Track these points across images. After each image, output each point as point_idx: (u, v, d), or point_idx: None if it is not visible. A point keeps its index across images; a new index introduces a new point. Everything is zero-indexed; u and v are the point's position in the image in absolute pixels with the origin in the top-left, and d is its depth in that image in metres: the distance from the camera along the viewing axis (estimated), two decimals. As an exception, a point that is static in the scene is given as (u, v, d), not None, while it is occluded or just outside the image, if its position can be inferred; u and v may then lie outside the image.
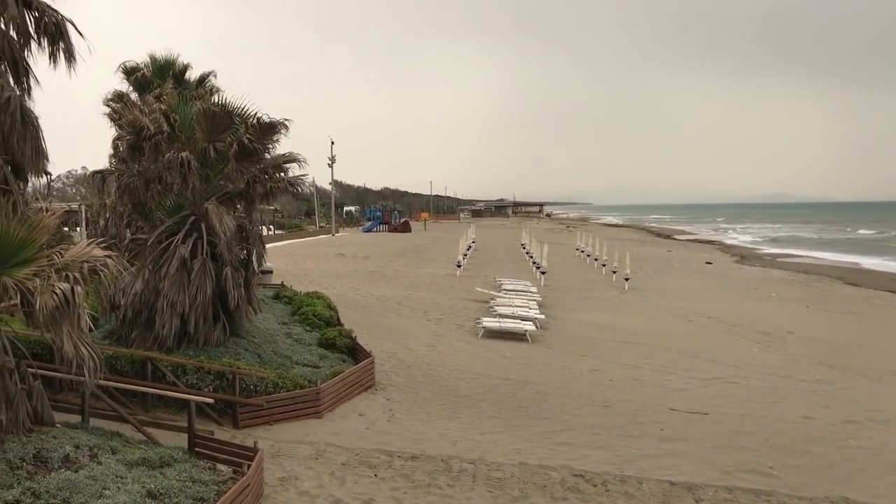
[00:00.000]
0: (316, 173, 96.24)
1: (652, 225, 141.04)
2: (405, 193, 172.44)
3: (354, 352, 16.83)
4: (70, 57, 9.65)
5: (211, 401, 11.48)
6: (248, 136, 14.66)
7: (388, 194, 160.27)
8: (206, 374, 12.81)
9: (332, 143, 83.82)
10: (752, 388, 17.92)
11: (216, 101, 15.26)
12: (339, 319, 19.54)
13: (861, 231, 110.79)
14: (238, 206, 15.79)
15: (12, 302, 8.54)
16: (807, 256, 65.27)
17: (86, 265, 8.51)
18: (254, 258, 16.03)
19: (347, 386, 14.53)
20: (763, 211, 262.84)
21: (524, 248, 54.01)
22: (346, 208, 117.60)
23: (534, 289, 32.89)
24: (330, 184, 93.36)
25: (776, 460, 12.51)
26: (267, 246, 16.84)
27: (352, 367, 15.28)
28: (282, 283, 24.86)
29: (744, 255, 66.02)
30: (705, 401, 16.43)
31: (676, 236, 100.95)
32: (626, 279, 37.01)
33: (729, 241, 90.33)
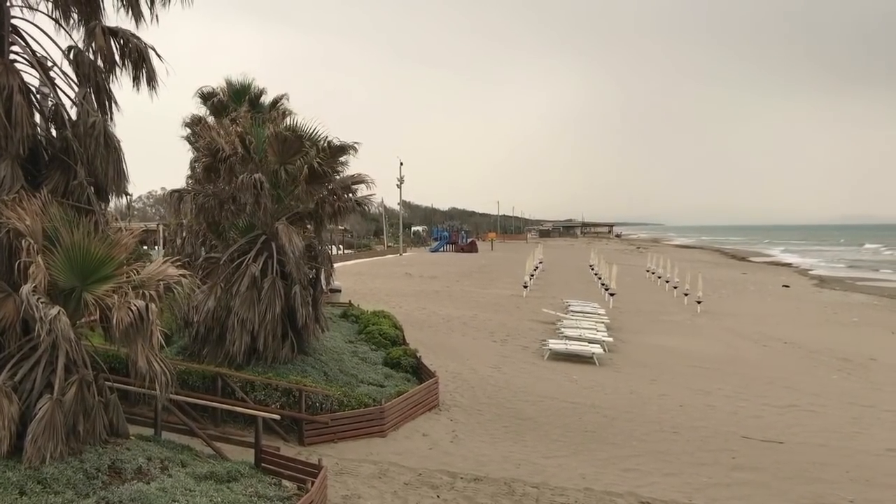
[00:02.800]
0: (385, 194, 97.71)
1: (726, 247, 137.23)
2: (472, 213, 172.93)
3: (419, 371, 16.87)
4: (152, 82, 10.10)
5: (278, 417, 11.67)
6: (318, 159, 15.01)
7: (455, 214, 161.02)
8: (273, 391, 13.09)
9: (401, 164, 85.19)
10: (830, 417, 17.17)
11: (288, 124, 15.65)
12: (404, 339, 19.65)
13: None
14: (308, 225, 16.14)
15: (92, 317, 8.92)
16: (891, 280, 62.32)
17: (161, 283, 8.82)
18: (322, 277, 16.31)
19: (411, 405, 14.58)
20: (844, 232, 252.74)
21: (592, 269, 53.34)
22: (413, 228, 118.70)
23: (602, 311, 32.41)
24: (398, 204, 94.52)
25: (857, 494, 11.93)
26: (336, 265, 17.12)
27: (416, 387, 15.33)
28: (349, 301, 25.18)
29: (823, 278, 63.58)
30: (780, 429, 15.83)
31: (752, 258, 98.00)
32: (699, 302, 36.10)
33: (806, 264, 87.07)
